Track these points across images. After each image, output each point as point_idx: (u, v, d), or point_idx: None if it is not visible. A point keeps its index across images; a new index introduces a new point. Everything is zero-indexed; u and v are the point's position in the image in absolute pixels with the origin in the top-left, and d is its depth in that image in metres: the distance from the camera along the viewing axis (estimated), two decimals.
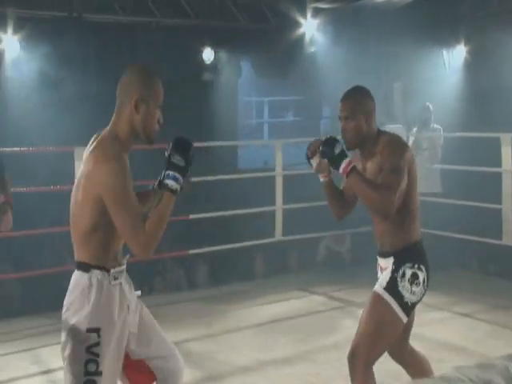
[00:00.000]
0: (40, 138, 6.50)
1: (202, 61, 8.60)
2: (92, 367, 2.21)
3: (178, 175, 2.26)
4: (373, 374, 2.67)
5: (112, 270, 2.28)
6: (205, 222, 6.45)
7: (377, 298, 2.68)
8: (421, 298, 2.69)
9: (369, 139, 2.71)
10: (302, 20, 7.99)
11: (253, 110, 12.18)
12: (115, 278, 2.29)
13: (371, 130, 2.71)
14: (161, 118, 2.41)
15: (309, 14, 8.01)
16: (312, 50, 8.56)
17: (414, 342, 4.27)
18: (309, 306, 5.38)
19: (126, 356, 2.35)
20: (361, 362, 2.65)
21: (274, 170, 6.36)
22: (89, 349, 2.21)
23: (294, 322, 4.98)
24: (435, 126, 6.73)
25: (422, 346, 4.19)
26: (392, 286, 2.64)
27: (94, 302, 2.23)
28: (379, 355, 2.69)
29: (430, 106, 6.76)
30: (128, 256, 2.38)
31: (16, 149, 5.73)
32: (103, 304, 2.24)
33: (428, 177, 6.59)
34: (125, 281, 2.35)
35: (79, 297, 2.25)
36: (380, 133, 2.75)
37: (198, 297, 5.85)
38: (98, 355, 2.21)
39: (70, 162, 5.42)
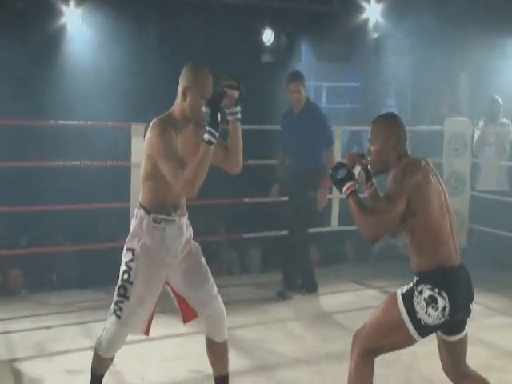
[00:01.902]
0: (99, 112, 6.49)
1: (262, 42, 8.46)
2: (125, 276, 2.87)
3: (209, 128, 2.70)
4: (369, 365, 2.70)
5: (152, 214, 2.87)
6: (259, 207, 6.37)
7: (393, 298, 2.68)
8: (439, 325, 2.62)
9: (392, 165, 2.74)
10: (365, 4, 7.79)
11: (311, 94, 12.00)
12: (155, 221, 2.87)
13: (393, 157, 2.74)
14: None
15: None
16: (375, 35, 8.33)
17: (475, 348, 4.11)
18: (363, 300, 5.23)
19: (173, 289, 3.01)
20: (356, 350, 2.70)
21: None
22: (126, 262, 2.88)
23: (348, 315, 4.83)
24: (504, 120, 6.45)
25: (484, 353, 4.05)
26: (408, 296, 2.63)
27: (134, 231, 2.92)
28: (377, 352, 2.70)
29: (499, 99, 6.48)
30: (178, 211, 2.92)
31: (75, 122, 5.72)
32: (140, 235, 2.88)
33: (494, 174, 6.37)
34: (172, 229, 2.89)
35: (132, 225, 2.95)
36: (402, 159, 2.73)
37: (250, 282, 5.77)
38: (131, 268, 2.86)
39: (127, 138, 5.37)
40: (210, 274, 3.03)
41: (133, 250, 2.88)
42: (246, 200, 5.97)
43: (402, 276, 5.87)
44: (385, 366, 3.82)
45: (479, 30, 7.08)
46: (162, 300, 4.38)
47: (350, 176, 2.71)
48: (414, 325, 2.61)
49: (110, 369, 3.61)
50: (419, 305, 2.60)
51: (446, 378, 3.62)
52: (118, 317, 2.87)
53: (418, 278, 2.66)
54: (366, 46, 8.41)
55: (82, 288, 5.42)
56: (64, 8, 6.92)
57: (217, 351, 3.07)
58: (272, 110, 8.24)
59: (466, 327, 2.77)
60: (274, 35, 8.43)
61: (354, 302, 5.18)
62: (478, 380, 2.81)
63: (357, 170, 2.78)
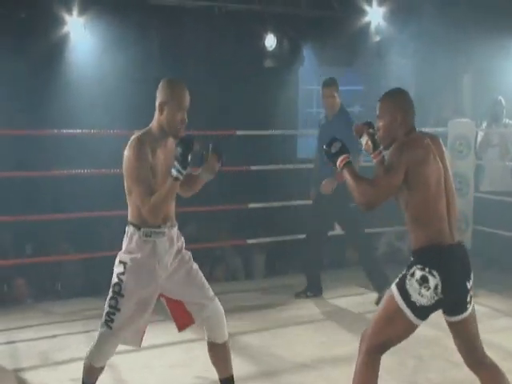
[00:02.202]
0: (102, 121, 6.51)
1: (264, 47, 8.47)
2: (117, 288, 2.94)
3: (178, 166, 2.81)
4: (375, 363, 2.74)
5: (142, 229, 2.94)
6: (263, 212, 6.36)
7: (389, 292, 2.73)
8: (434, 304, 2.65)
9: (399, 140, 2.77)
10: (367, 8, 7.78)
11: (313, 99, 12.00)
12: (146, 235, 2.94)
13: (401, 132, 2.76)
14: (184, 119, 2.95)
15: (374, 2, 7.79)
16: (377, 39, 8.33)
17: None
18: (368, 304, 5.21)
19: (168, 297, 3.06)
20: (363, 347, 2.74)
21: None
22: (118, 275, 2.96)
23: (354, 319, 4.82)
24: (507, 121, 6.43)
25: (491, 355, 4.01)
26: (401, 282, 2.68)
27: (126, 246, 2.98)
28: (383, 346, 2.73)
29: (503, 101, 6.45)
30: (168, 223, 2.97)
31: (78, 131, 5.73)
32: (131, 250, 2.96)
33: (498, 175, 6.35)
34: (162, 241, 2.95)
35: (124, 242, 3.01)
36: (409, 135, 2.76)
37: (255, 287, 5.76)
38: (122, 281, 2.94)
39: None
40: (204, 278, 3.12)
41: (124, 264, 2.96)
42: (250, 205, 5.96)
43: None
44: (390, 369, 3.81)
45: (482, 32, 7.06)
46: (165, 308, 4.42)
47: (343, 150, 2.76)
48: (410, 308, 2.64)
49: (116, 376, 3.63)
50: (412, 287, 2.63)
51: (452, 381, 3.62)
52: (110, 327, 2.94)
53: (411, 259, 2.70)
54: (369, 49, 8.41)
55: (86, 296, 5.42)
56: (67, 17, 6.95)
57: (218, 353, 3.13)
58: (274, 115, 8.26)
59: (470, 308, 2.75)
60: (276, 40, 8.44)
61: (358, 306, 5.16)
62: (494, 372, 2.79)
63: (364, 139, 2.86)
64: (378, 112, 2.80)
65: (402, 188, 2.67)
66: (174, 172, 2.83)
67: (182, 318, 3.08)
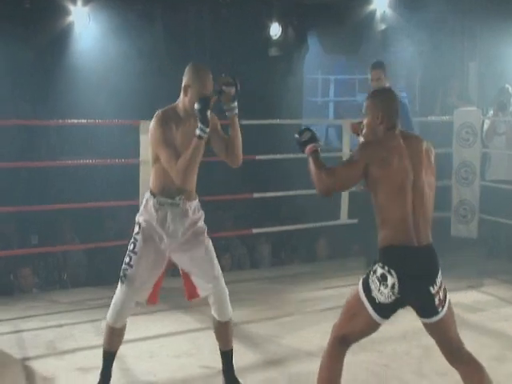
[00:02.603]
0: (107, 110, 6.50)
1: (269, 36, 8.44)
2: (131, 247, 3.18)
3: (200, 124, 2.99)
4: (339, 355, 2.79)
5: (157, 197, 3.15)
6: (268, 202, 6.35)
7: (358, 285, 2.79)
8: (392, 303, 2.67)
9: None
10: None
11: (318, 87, 11.96)
12: (159, 204, 3.14)
13: (381, 130, 2.81)
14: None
15: None
16: (383, 27, 8.28)
17: (488, 339, 4.12)
18: None
19: (180, 267, 3.25)
20: (331, 338, 2.81)
21: (339, 150, 6.18)
22: (134, 235, 3.19)
23: None
24: None
25: (497, 344, 4.03)
26: (366, 278, 2.74)
27: (142, 209, 3.21)
28: (347, 338, 2.78)
29: (510, 89, 6.41)
30: (182, 196, 3.15)
31: (83, 121, 5.73)
32: (145, 213, 3.18)
33: (504, 163, 6.31)
34: (174, 212, 3.15)
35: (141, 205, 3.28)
36: (387, 133, 2.80)
37: (260, 276, 5.76)
38: (136, 240, 3.17)
39: (134, 136, 5.35)
40: (213, 255, 3.25)
41: (139, 224, 3.20)
42: (255, 195, 5.95)
43: None
44: (396, 359, 3.82)
45: (488, 19, 7.02)
46: (172, 297, 4.43)
47: (312, 139, 2.85)
48: (370, 304, 2.69)
49: (122, 366, 3.63)
50: (373, 283, 2.68)
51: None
52: (123, 282, 3.17)
53: (376, 257, 2.74)
54: (374, 37, 8.37)
55: (91, 286, 5.44)
56: (71, 6, 6.94)
57: (220, 330, 3.30)
58: (279, 104, 8.23)
59: (443, 311, 2.73)
60: (281, 29, 8.40)
61: None
62: (473, 367, 2.78)
63: (361, 138, 2.92)
64: (363, 109, 2.89)
65: (369, 187, 2.73)
66: (197, 131, 2.99)
67: (190, 289, 3.26)
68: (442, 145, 6.80)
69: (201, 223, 3.26)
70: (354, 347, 3.80)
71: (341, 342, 2.79)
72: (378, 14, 8.05)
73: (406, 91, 10.31)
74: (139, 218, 3.21)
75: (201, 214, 3.27)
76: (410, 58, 9.10)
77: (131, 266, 3.16)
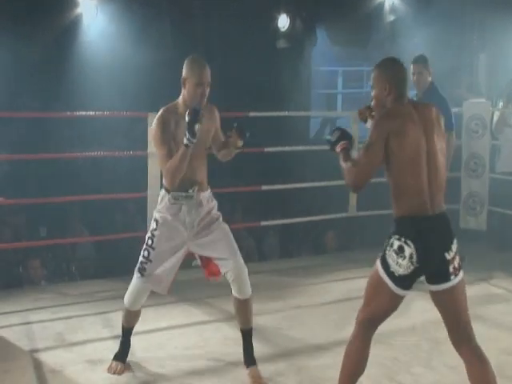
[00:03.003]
0: (115, 102, 6.50)
1: (277, 28, 8.40)
2: (149, 242, 3.35)
3: (187, 134, 3.14)
4: (365, 336, 2.80)
5: (171, 193, 3.30)
6: (276, 194, 6.33)
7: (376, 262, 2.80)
8: (411, 273, 2.68)
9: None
10: None
11: (326, 79, 11.92)
12: (174, 198, 3.30)
13: (390, 101, 2.78)
14: (203, 93, 3.26)
15: None
16: (392, 18, 8.23)
17: (499, 333, 4.10)
18: None
19: (198, 255, 3.41)
20: (357, 321, 2.82)
21: None
22: (151, 231, 3.37)
23: None
24: None
25: (508, 338, 4.01)
26: (383, 253, 2.74)
27: (158, 206, 3.39)
28: (372, 318, 2.79)
29: None
30: (195, 188, 3.31)
31: (91, 113, 5.72)
32: (162, 210, 3.35)
33: None
34: (190, 204, 3.31)
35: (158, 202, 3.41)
36: (396, 103, 2.76)
37: (269, 269, 5.75)
38: (154, 236, 3.35)
39: (143, 128, 5.35)
40: (231, 237, 3.40)
41: (156, 221, 3.36)
42: (263, 187, 5.94)
43: None
44: (406, 352, 3.81)
45: (498, 10, 6.96)
46: (180, 290, 4.43)
47: (342, 137, 2.86)
48: (390, 278, 2.69)
49: (131, 358, 3.64)
50: (391, 258, 2.69)
51: None
52: (142, 275, 3.36)
53: (391, 229, 2.73)
54: (383, 29, 8.32)
55: (100, 278, 5.44)
56: None
57: (240, 308, 3.42)
58: (286, 96, 8.20)
59: (454, 280, 2.73)
60: (289, 21, 8.36)
61: None
62: (479, 358, 2.75)
63: (369, 123, 2.87)
64: (371, 82, 2.85)
65: (385, 159, 2.70)
66: (184, 140, 3.15)
67: (210, 267, 3.41)
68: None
69: (215, 211, 3.42)
70: None
71: (367, 325, 2.79)
72: (387, 6, 8.01)
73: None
74: (156, 214, 3.37)
75: (214, 203, 3.44)
76: (419, 50, 9.03)
77: (150, 261, 3.33)
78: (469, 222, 6.46)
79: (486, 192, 6.36)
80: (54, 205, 5.98)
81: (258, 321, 4.26)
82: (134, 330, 3.59)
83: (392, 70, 2.79)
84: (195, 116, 3.14)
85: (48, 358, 3.70)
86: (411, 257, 2.65)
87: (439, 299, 2.77)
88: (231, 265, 3.33)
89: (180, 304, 4.64)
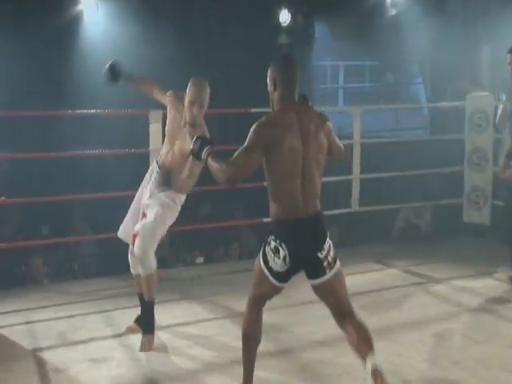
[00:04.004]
0: (116, 99, 6.47)
1: (279, 23, 8.37)
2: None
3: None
4: (254, 310, 3.03)
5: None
6: None
7: None
8: (287, 271, 2.85)
9: (275, 108, 2.90)
10: None
11: (327, 74, 11.89)
12: None
13: (276, 100, 2.87)
14: (193, 111, 3.65)
15: None
16: (393, 12, 8.20)
17: (503, 326, 4.07)
18: (386, 281, 5.18)
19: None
20: (248, 297, 3.04)
21: (349, 137, 6.12)
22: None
23: (371, 296, 4.78)
24: None
25: (509, 330, 3.99)
26: (263, 248, 2.89)
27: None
28: (259, 298, 3.00)
29: None
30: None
31: (92, 111, 5.70)
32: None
33: None
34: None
35: None
36: (281, 105, 2.86)
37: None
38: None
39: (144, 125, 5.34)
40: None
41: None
42: (265, 183, 5.91)
43: (423, 255, 5.86)
44: (410, 347, 3.79)
45: (502, 3, 6.92)
46: (182, 287, 4.42)
47: (204, 144, 2.88)
48: (269, 273, 2.88)
49: (134, 356, 3.64)
50: (269, 254, 2.85)
51: (472, 358, 3.59)
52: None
53: (269, 228, 2.89)
54: (385, 23, 8.29)
55: (102, 277, 5.44)
56: None
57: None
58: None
59: (330, 273, 2.86)
60: (290, 16, 8.33)
61: (376, 282, 5.13)
62: (357, 325, 2.88)
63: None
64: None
65: (264, 164, 2.82)
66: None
67: None
68: (453, 130, 6.75)
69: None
70: None
71: (255, 302, 3.01)
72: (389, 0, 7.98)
73: (421, 76, 10.23)
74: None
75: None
76: (421, 44, 9.00)
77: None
78: (472, 216, 6.43)
79: (489, 186, 6.34)
80: (55, 203, 5.97)
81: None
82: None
83: (279, 69, 2.86)
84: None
85: (51, 357, 3.69)
86: (284, 258, 2.82)
87: (319, 291, 2.93)
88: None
89: (183, 301, 4.64)
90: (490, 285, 5.04)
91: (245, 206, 7.06)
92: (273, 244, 2.82)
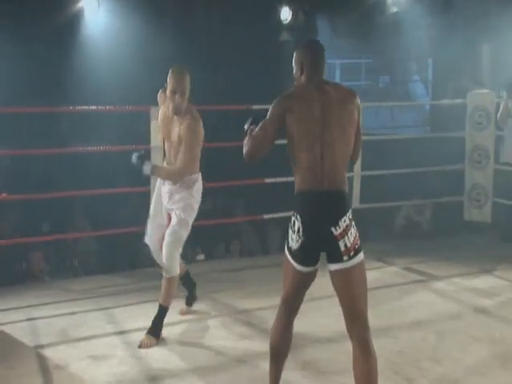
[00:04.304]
0: (116, 96, 6.48)
1: (280, 20, 8.36)
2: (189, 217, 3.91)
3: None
4: (280, 314, 2.94)
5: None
6: (279, 187, 6.29)
7: None
8: (301, 247, 2.74)
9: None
10: None
11: (329, 72, 11.89)
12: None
13: (300, 81, 2.88)
14: (176, 100, 3.74)
15: None
16: (394, 10, 8.19)
17: (502, 324, 4.07)
18: (387, 278, 5.17)
19: None
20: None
21: None
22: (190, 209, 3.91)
23: (372, 294, 4.69)
24: None
25: (509, 329, 3.99)
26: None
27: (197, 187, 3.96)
28: (286, 296, 2.91)
29: None
30: None
31: (93, 107, 5.69)
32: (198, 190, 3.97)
33: None
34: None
35: None
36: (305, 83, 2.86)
37: (272, 263, 5.72)
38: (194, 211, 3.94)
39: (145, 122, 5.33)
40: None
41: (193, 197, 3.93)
42: (266, 180, 5.91)
43: (424, 253, 5.85)
44: (412, 345, 3.79)
45: (501, 1, 6.92)
46: (181, 287, 4.42)
47: (253, 122, 2.92)
48: (289, 253, 2.79)
49: (134, 354, 3.64)
50: (289, 233, 2.78)
51: (474, 357, 3.59)
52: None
53: None
54: (385, 20, 8.28)
55: (103, 274, 5.43)
56: None
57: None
58: (289, 89, 8.17)
59: (347, 261, 2.72)
60: (291, 13, 8.32)
61: (377, 280, 5.11)
62: (362, 351, 2.75)
63: None
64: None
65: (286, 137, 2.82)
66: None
67: None
68: (454, 128, 6.74)
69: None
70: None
71: (284, 302, 2.91)
72: None
73: (419, 74, 10.22)
74: (197, 197, 3.92)
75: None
76: (422, 42, 9.00)
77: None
78: (473, 213, 6.43)
79: (490, 183, 6.34)
80: (56, 200, 5.97)
81: (261, 314, 4.27)
82: (138, 326, 3.59)
83: (304, 54, 2.87)
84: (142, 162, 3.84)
85: (52, 354, 3.69)
86: (298, 230, 2.73)
87: (334, 280, 2.79)
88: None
89: (183, 299, 4.63)
90: (490, 282, 5.04)
91: (245, 203, 7.06)
92: (292, 219, 2.77)
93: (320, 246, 2.75)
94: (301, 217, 2.73)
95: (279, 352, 2.91)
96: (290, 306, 2.92)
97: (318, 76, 2.84)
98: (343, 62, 12.13)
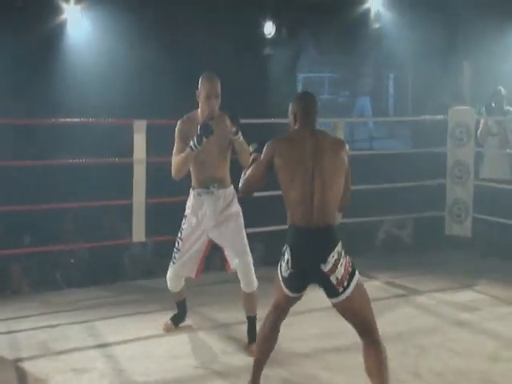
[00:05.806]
0: (99, 109, 6.47)
1: (263, 35, 8.41)
2: (179, 234, 3.97)
3: (195, 141, 3.72)
4: (271, 315, 3.17)
5: (196, 189, 3.91)
6: (262, 201, 6.30)
7: None
8: (289, 277, 2.98)
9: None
10: None
11: (313, 86, 12.00)
12: (198, 195, 3.88)
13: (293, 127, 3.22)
14: (212, 104, 3.84)
15: None
16: (377, 26, 8.28)
17: (482, 339, 4.12)
18: (369, 292, 5.18)
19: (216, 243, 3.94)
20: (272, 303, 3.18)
21: None
22: (182, 224, 3.97)
23: None
24: (508, 108, 6.37)
25: (492, 343, 4.03)
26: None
27: (187, 203, 3.98)
28: (276, 306, 3.15)
29: (502, 90, 6.39)
30: (215, 185, 3.85)
31: (76, 120, 5.69)
32: (189, 205, 3.95)
33: (497, 162, 6.32)
34: (210, 198, 3.86)
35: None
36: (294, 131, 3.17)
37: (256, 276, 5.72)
38: (182, 229, 3.96)
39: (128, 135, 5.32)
40: (242, 232, 3.89)
41: (185, 216, 3.94)
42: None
43: (405, 267, 5.89)
44: (392, 358, 3.78)
45: (482, 18, 7.02)
46: (166, 298, 4.40)
47: (258, 149, 3.22)
48: (280, 278, 3.03)
49: (116, 366, 3.63)
50: (280, 260, 3.02)
51: (454, 371, 3.62)
52: (174, 263, 3.97)
53: None
54: (368, 36, 8.37)
55: (85, 287, 5.40)
56: (64, 4, 6.91)
57: (245, 299, 3.96)
58: (272, 103, 8.20)
59: (344, 294, 2.92)
60: (274, 28, 8.37)
61: None
62: (374, 348, 2.98)
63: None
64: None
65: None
66: (190, 143, 3.70)
67: (225, 261, 3.94)
68: (436, 144, 6.82)
69: (233, 205, 3.91)
70: (351, 347, 3.80)
71: (274, 308, 3.14)
72: (372, 13, 8.05)
73: (398, 89, 10.33)
74: (186, 211, 3.93)
75: (232, 197, 3.91)
76: (403, 57, 9.10)
77: (179, 250, 3.94)
78: (454, 228, 6.49)
79: (470, 199, 6.41)
80: (37, 212, 5.92)
81: (244, 328, 4.23)
82: (119, 339, 3.57)
83: (298, 104, 3.10)
84: (206, 130, 3.68)
85: (32, 368, 3.66)
86: (287, 262, 2.97)
87: (338, 310, 3.01)
88: (237, 263, 3.84)
89: (166, 312, 4.61)
90: (470, 296, 5.08)
91: None
92: (283, 249, 2.99)
93: (309, 280, 2.99)
94: (290, 250, 2.95)
95: (269, 344, 3.17)
96: (280, 313, 3.16)
97: (310, 124, 3.08)
98: (306, 76, 12.36)
